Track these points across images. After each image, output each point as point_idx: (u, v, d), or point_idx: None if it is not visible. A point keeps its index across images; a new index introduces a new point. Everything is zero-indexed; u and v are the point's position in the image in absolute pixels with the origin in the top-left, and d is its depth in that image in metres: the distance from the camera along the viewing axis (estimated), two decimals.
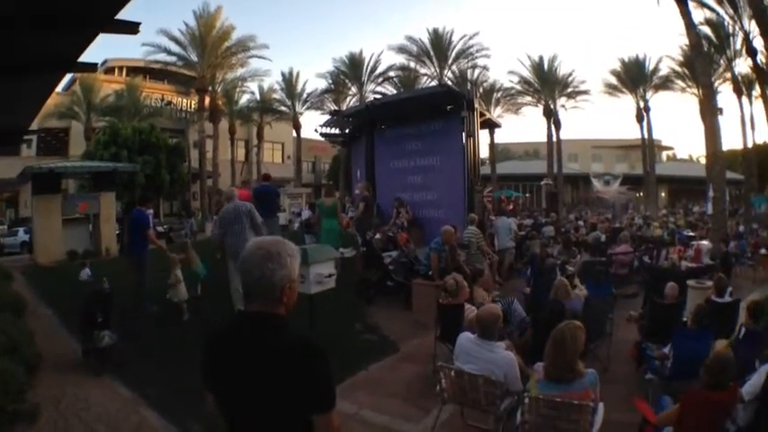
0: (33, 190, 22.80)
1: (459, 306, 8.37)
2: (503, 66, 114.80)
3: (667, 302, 9.39)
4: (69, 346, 10.12)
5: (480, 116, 17.90)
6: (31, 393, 7.27)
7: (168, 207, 53.08)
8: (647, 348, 7.99)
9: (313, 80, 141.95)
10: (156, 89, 54.97)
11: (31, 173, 22.25)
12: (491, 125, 25.46)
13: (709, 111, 22.50)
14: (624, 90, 54.65)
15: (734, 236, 23.00)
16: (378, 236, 15.39)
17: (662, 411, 5.42)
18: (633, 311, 9.96)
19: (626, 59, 54.18)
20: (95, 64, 10.77)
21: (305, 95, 56.43)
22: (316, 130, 22.55)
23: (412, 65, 52.85)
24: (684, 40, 34.22)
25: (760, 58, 32.02)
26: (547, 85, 54.03)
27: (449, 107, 17.15)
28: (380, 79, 53.30)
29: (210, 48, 44.61)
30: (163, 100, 54.97)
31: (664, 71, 51.46)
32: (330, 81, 54.54)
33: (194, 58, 44.80)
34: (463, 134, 16.38)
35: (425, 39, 51.24)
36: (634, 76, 53.20)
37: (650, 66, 52.64)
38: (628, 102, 55.67)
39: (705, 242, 18.76)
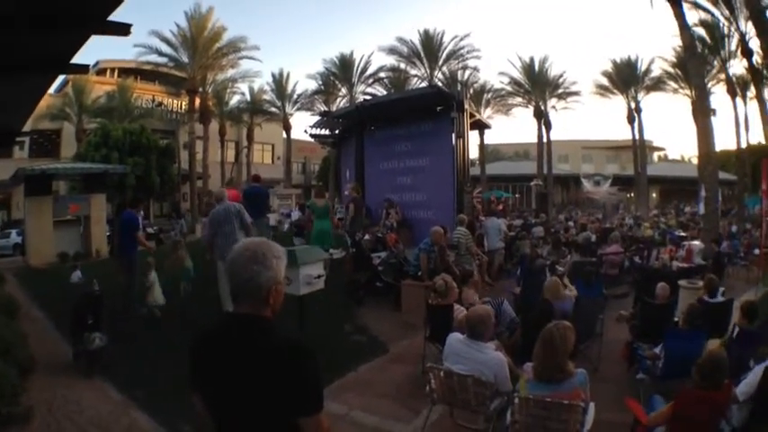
0: (26, 192, 22.93)
1: (448, 307, 8.40)
2: (494, 67, 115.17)
3: (658, 302, 9.40)
4: (61, 348, 10.14)
5: (470, 117, 17.98)
6: (24, 396, 7.26)
7: (158, 208, 53.00)
8: (639, 348, 7.99)
9: (303, 81, 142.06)
10: (147, 90, 54.91)
11: (24, 174, 22.23)
12: (481, 126, 25.47)
13: (702, 111, 22.60)
14: (615, 91, 54.74)
15: (726, 236, 23.15)
16: (367, 237, 15.38)
17: (653, 411, 5.39)
18: (623, 311, 9.99)
19: (618, 61, 54.33)
20: (87, 65, 10.83)
21: (295, 96, 56.62)
22: (305, 131, 22.64)
23: (402, 66, 52.88)
24: (677, 42, 34.42)
25: (756, 59, 32.08)
26: (537, 86, 54.10)
27: (439, 108, 17.15)
28: (371, 80, 53.35)
29: (201, 49, 44.56)
30: (154, 101, 54.78)
31: (656, 72, 51.66)
32: (320, 82, 54.60)
33: (185, 59, 44.76)
34: (453, 135, 16.39)
35: (416, 40, 51.30)
36: (626, 78, 53.26)
37: (642, 67, 52.76)
38: (619, 103, 55.81)
39: (697, 242, 18.67)
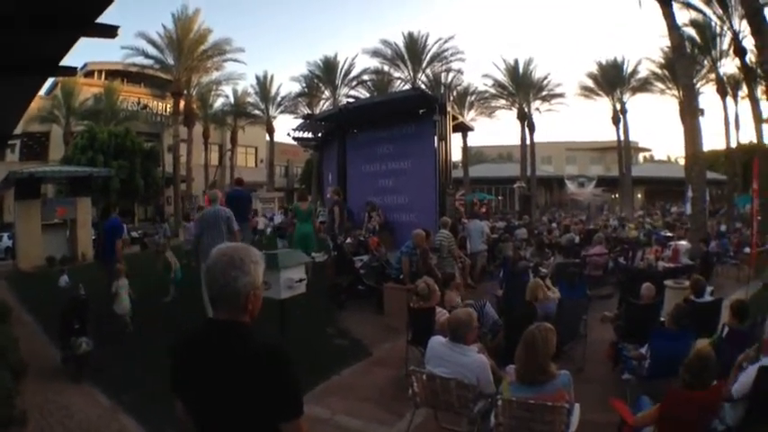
0: (15, 195, 23.00)
1: (430, 310, 8.39)
2: (478, 69, 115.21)
3: (643, 303, 9.35)
4: (50, 352, 10.19)
5: (453, 120, 17.98)
6: (18, 399, 7.29)
7: (143, 212, 52.80)
8: (624, 349, 7.95)
9: (287, 84, 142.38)
10: (132, 93, 54.54)
11: (15, 178, 22.18)
12: (464, 128, 25.58)
13: (690, 112, 22.63)
14: (600, 93, 54.97)
15: (715, 235, 23.13)
16: (349, 240, 15.40)
17: (641, 411, 5.36)
18: (608, 312, 9.94)
19: (603, 62, 54.59)
20: (75, 68, 10.86)
21: (279, 99, 56.81)
22: (288, 134, 22.71)
23: (386, 68, 52.93)
24: (665, 42, 34.62)
25: (749, 57, 32.22)
26: (522, 88, 54.35)
27: (421, 111, 17.11)
28: (354, 83, 53.46)
29: (187, 51, 44.52)
30: (139, 104, 54.30)
31: (643, 73, 51.94)
32: (304, 85, 54.71)
33: (171, 61, 44.71)
34: (435, 138, 16.38)
35: (400, 42, 51.37)
36: (611, 79, 53.48)
37: (628, 68, 53.04)
38: (604, 104, 56.13)
39: (683, 242, 18.81)
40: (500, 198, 64.10)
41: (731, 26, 33.36)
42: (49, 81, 31.75)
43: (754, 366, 5.57)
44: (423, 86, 44.28)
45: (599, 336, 9.35)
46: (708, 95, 65.20)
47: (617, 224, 32.17)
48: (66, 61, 8.87)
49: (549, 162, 77.97)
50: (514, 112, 55.64)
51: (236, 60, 49.12)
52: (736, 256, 19.94)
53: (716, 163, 50.43)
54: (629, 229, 28.02)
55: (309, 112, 46.75)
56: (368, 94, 48.19)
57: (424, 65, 51.44)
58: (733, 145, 41.85)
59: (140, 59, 44.27)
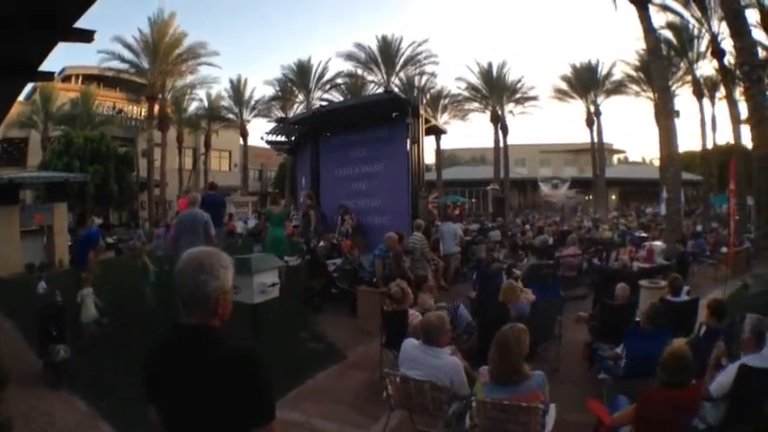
0: None
1: (403, 312, 8.36)
2: (453, 73, 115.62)
3: (618, 303, 9.39)
4: (31, 358, 10.09)
5: (426, 123, 18.08)
6: (2, 406, 7.22)
7: (117, 217, 52.43)
8: (599, 349, 7.99)
9: (261, 87, 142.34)
10: (108, 97, 54.01)
11: None
12: (437, 131, 25.71)
13: (666, 113, 22.75)
14: (575, 95, 55.06)
15: (690, 235, 23.27)
16: (322, 243, 15.44)
17: (617, 411, 5.36)
18: (582, 313, 9.96)
19: (578, 65, 54.74)
20: (53, 73, 10.81)
21: (253, 103, 56.59)
22: (262, 138, 22.64)
23: (360, 72, 53.14)
24: (641, 45, 34.79)
25: (728, 58, 32.46)
26: (495, 91, 54.42)
27: (394, 114, 17.24)
28: (328, 86, 53.37)
29: (162, 54, 44.44)
30: (114, 108, 54.05)
31: (617, 76, 52.02)
32: (278, 88, 54.58)
33: (146, 65, 44.61)
34: (408, 141, 16.46)
35: (374, 46, 51.58)
36: (585, 82, 53.60)
37: (603, 71, 53.10)
38: (578, 106, 56.23)
39: (658, 242, 18.94)
40: (473, 200, 64.32)
41: (710, 28, 33.62)
42: (29, 86, 31.63)
43: (734, 365, 5.59)
44: (396, 90, 44.02)
45: (573, 336, 9.41)
46: (684, 97, 65.86)
47: (591, 225, 32.38)
48: (44, 66, 8.87)
49: (522, 164, 78.33)
50: (488, 114, 55.73)
51: (210, 64, 49.05)
52: (712, 256, 20.14)
53: (691, 164, 51.03)
54: (603, 230, 28.18)
55: (283, 115, 46.70)
56: (341, 98, 48.20)
57: (397, 68, 51.62)
58: (709, 146, 42.15)
59: (116, 63, 44.25)
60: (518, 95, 55.55)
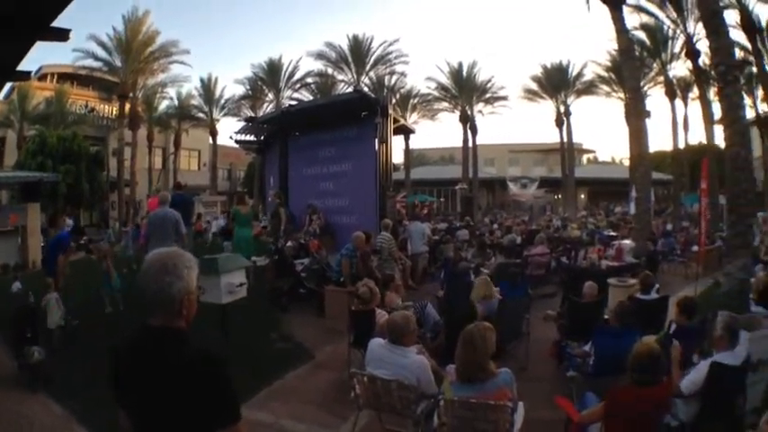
0: None
1: (370, 312, 8.35)
2: (422, 72, 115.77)
3: (586, 301, 9.41)
4: (5, 361, 10.00)
5: (395, 122, 18.03)
6: None
7: (88, 217, 52.07)
8: (567, 347, 8.03)
9: (231, 86, 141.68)
10: (81, 96, 53.54)
11: None
12: (406, 131, 25.69)
13: (636, 114, 22.96)
14: (545, 96, 55.30)
15: (660, 234, 23.50)
16: (289, 243, 15.45)
17: (586, 408, 5.38)
18: (551, 311, 10.04)
19: (548, 65, 54.97)
20: (29, 72, 10.97)
21: (223, 102, 56.46)
22: (231, 137, 22.48)
23: (330, 71, 53.17)
24: (613, 45, 35.09)
25: (703, 59, 32.86)
26: (464, 91, 54.65)
27: (363, 113, 17.14)
28: (298, 85, 53.46)
29: (135, 52, 44.38)
30: (87, 107, 53.57)
31: (588, 76, 52.30)
32: (248, 87, 54.62)
33: (119, 63, 44.51)
34: (376, 140, 16.35)
35: (345, 45, 51.62)
36: (556, 82, 53.87)
37: (573, 71, 53.41)
38: (548, 107, 56.47)
39: (627, 241, 19.12)
40: (442, 200, 64.38)
41: (685, 29, 34.01)
42: (7, 86, 31.40)
43: (706, 362, 5.64)
44: (366, 89, 44.26)
45: (542, 334, 9.43)
46: (655, 98, 66.05)
47: (560, 224, 32.56)
48: (21, 65, 8.88)
49: (491, 164, 78.36)
50: (457, 114, 55.95)
51: (181, 62, 49.07)
52: (683, 255, 20.28)
53: (662, 164, 51.55)
54: (572, 228, 28.24)
55: (253, 114, 46.52)
56: (311, 97, 48.41)
57: (367, 68, 51.77)
58: (681, 146, 42.61)
59: (90, 62, 44.28)
60: (488, 95, 55.92)
